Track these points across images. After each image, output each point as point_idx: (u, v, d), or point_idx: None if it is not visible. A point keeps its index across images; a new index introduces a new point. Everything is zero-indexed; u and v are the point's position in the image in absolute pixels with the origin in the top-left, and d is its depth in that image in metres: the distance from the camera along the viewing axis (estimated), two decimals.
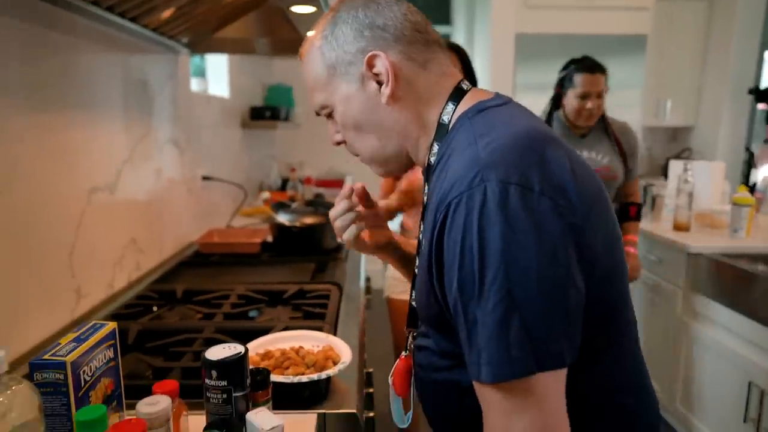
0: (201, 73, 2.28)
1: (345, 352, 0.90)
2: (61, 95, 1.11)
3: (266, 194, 2.22)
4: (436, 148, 0.68)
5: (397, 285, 2.01)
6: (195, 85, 2.20)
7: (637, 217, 2.03)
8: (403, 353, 0.79)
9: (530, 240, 0.51)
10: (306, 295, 1.30)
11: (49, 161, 1.07)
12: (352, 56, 0.67)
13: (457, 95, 0.68)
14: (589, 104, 1.83)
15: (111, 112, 1.33)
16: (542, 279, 0.51)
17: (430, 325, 0.69)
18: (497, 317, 0.51)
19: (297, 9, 0.92)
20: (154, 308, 1.24)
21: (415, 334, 0.77)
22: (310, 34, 0.73)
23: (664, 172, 3.72)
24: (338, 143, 0.75)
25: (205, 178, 2.01)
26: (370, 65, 0.66)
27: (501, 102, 0.67)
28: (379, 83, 0.67)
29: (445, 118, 0.67)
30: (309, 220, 1.68)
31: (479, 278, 0.52)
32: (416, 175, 1.80)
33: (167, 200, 1.68)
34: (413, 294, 0.76)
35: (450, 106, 0.67)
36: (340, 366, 0.85)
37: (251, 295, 1.28)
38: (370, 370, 1.28)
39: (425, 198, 0.72)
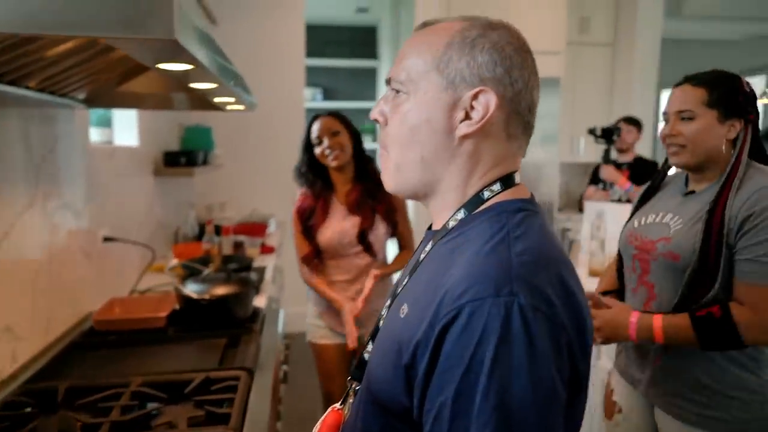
0: (105, 123, 2.12)
1: None
2: None
3: (174, 261, 2.06)
4: (462, 215, 0.65)
5: (317, 330, 1.93)
6: (97, 136, 2.04)
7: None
8: (337, 405, 0.73)
9: (543, 371, 0.52)
10: (211, 387, 1.19)
11: None
12: (470, 75, 0.62)
13: (508, 180, 0.66)
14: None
15: None
16: (542, 414, 0.52)
17: (380, 396, 0.63)
18: None
19: (167, 66, 0.84)
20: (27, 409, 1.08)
21: (357, 387, 0.71)
22: (452, 18, 0.67)
23: (580, 207, 3.91)
24: (375, 120, 0.69)
25: (107, 239, 1.85)
26: (476, 96, 0.62)
27: (537, 209, 0.66)
28: (467, 116, 0.63)
29: (486, 194, 0.65)
30: (220, 290, 1.57)
31: (482, 395, 0.51)
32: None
33: (58, 271, 1.51)
34: (370, 347, 0.71)
35: (497, 186, 0.65)
36: None
37: (148, 391, 1.16)
38: None
39: (422, 255, 0.68)
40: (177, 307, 1.62)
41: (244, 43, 3.50)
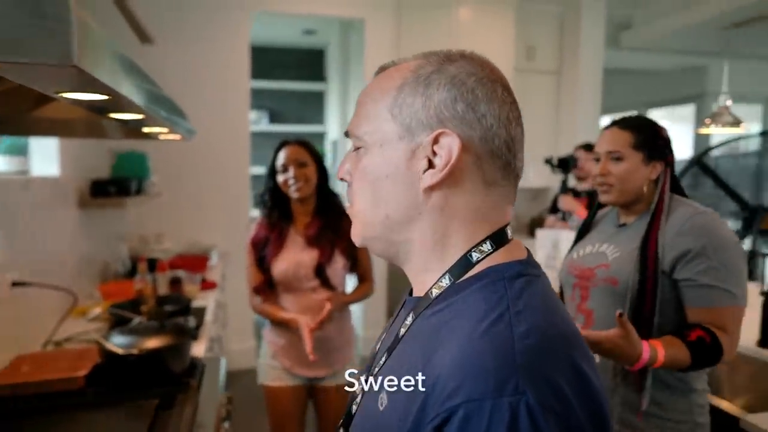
0: (18, 151, 1.88)
1: None
2: None
3: (96, 311, 1.81)
4: (446, 281, 0.55)
5: (272, 371, 1.78)
6: (6, 165, 1.81)
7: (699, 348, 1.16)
8: None
9: None
10: None
11: None
12: (427, 117, 0.54)
13: (499, 238, 0.56)
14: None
15: None
16: None
17: None
18: None
19: (72, 96, 0.70)
20: None
21: None
22: (409, 59, 0.59)
23: (530, 231, 3.92)
24: (341, 179, 0.62)
25: (16, 284, 1.61)
26: (436, 140, 0.54)
27: (539, 272, 0.57)
28: (430, 164, 0.54)
29: (475, 256, 0.55)
30: (152, 343, 1.38)
31: None
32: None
33: None
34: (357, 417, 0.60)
35: (487, 246, 0.55)
36: None
37: None
38: None
39: (402, 330, 0.58)
40: (99, 362, 1.41)
41: (186, 64, 3.31)
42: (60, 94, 0.68)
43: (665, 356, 1.10)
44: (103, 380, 1.37)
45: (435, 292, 0.55)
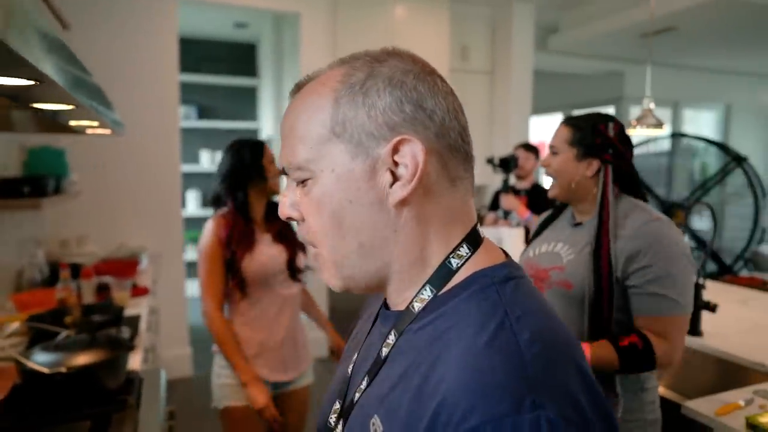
0: None
1: None
2: None
3: (14, 325, 1.60)
4: (427, 293, 0.52)
5: (232, 390, 1.63)
6: None
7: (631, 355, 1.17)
8: None
9: None
10: None
11: None
12: (376, 127, 0.49)
13: (474, 238, 0.53)
14: None
15: None
16: None
17: None
18: None
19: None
20: None
21: None
22: (326, 68, 0.54)
23: None
24: (288, 218, 0.55)
25: None
26: (396, 150, 0.49)
27: (522, 273, 0.53)
28: (395, 177, 0.50)
29: (455, 262, 0.52)
30: (82, 359, 1.24)
31: None
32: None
33: None
34: None
35: (464, 250, 0.52)
36: None
37: None
38: None
39: (384, 349, 0.54)
40: (18, 383, 1.26)
41: (106, 54, 3.07)
42: None
43: (592, 358, 1.14)
44: (23, 404, 1.22)
45: (417, 305, 0.52)
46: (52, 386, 1.20)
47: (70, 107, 0.83)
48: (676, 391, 1.78)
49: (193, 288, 4.44)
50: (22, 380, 1.24)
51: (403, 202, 0.50)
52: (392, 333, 0.53)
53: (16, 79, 0.58)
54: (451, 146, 0.52)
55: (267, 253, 1.67)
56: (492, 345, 0.44)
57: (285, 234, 1.74)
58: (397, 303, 0.55)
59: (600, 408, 0.44)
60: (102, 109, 1.05)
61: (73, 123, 1.11)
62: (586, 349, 1.15)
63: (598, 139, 1.29)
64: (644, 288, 1.17)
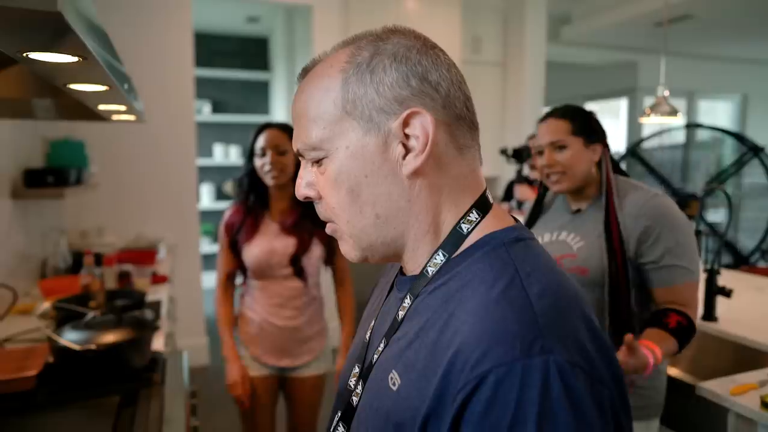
0: None
1: None
2: None
3: (45, 306, 1.68)
4: (440, 257, 0.54)
5: (247, 363, 1.72)
6: None
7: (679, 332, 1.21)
8: None
9: None
10: None
11: None
12: (386, 102, 0.52)
13: (483, 204, 0.56)
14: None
15: None
16: None
17: None
18: None
19: (42, 56, 0.63)
20: None
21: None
22: (331, 51, 0.56)
23: None
24: (306, 198, 0.58)
25: None
26: (406, 123, 0.51)
27: (532, 235, 0.56)
28: (407, 149, 0.52)
29: (465, 227, 0.54)
30: (110, 337, 1.29)
31: None
32: None
33: None
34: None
35: (474, 215, 0.55)
36: None
37: None
38: None
39: (400, 312, 0.56)
40: (51, 361, 1.31)
41: (122, 48, 3.10)
42: (25, 54, 0.62)
43: (662, 353, 1.16)
44: (56, 380, 1.27)
45: (431, 269, 0.54)
46: (83, 363, 1.25)
47: (104, 88, 0.86)
48: (692, 375, 1.79)
49: (208, 279, 4.51)
50: (55, 357, 1.29)
51: (415, 173, 0.52)
52: (408, 296, 0.56)
53: (63, 55, 0.61)
54: (458, 116, 0.54)
55: (268, 245, 1.66)
56: (504, 298, 0.46)
57: (299, 227, 1.67)
58: (412, 270, 0.57)
59: (606, 356, 0.47)
60: (131, 95, 1.09)
61: (102, 107, 1.15)
62: (655, 348, 1.15)
63: (594, 123, 1.33)
64: (659, 262, 1.23)
